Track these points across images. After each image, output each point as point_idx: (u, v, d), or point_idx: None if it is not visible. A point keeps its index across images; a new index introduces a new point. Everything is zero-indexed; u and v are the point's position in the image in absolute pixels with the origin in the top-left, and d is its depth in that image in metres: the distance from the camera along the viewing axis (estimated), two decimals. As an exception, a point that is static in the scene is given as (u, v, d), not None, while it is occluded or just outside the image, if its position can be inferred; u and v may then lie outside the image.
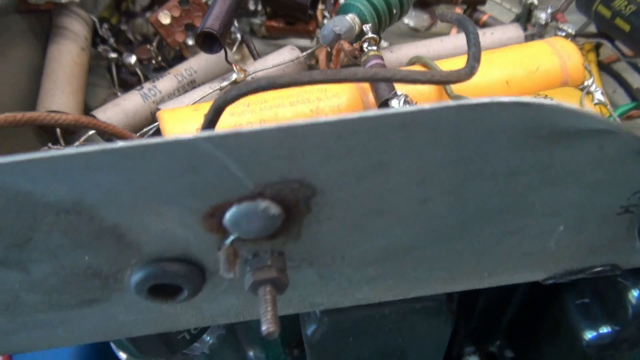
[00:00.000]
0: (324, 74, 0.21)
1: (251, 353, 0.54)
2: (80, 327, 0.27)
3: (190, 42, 0.43)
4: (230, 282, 0.27)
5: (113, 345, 0.37)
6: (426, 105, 0.18)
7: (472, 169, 0.22)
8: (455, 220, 0.25)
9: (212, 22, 0.34)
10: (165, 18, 0.39)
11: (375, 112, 0.18)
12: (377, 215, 0.24)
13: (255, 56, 0.42)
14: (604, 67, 0.44)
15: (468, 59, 0.25)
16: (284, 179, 0.20)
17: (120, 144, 0.17)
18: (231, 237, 0.23)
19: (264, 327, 0.22)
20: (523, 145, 0.21)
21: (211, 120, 0.24)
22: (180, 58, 0.43)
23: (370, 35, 0.31)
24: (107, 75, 0.43)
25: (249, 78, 0.37)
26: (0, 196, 0.18)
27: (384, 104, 0.28)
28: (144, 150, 0.18)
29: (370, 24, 0.32)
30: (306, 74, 0.22)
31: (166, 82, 0.38)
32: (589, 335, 0.39)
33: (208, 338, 0.40)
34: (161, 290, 0.25)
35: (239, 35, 0.42)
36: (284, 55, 0.38)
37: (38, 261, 0.22)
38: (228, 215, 0.21)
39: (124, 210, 0.20)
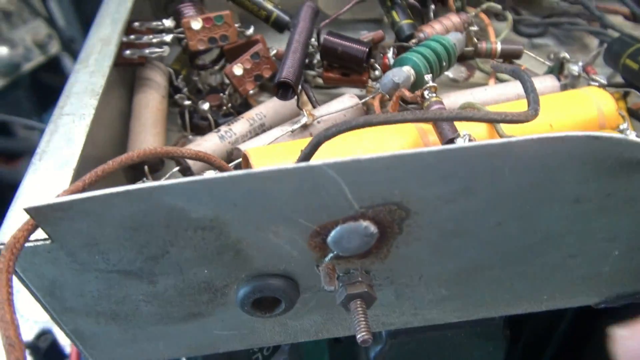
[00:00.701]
0: (413, 114, 0.25)
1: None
2: (179, 340, 0.30)
3: (252, 91, 0.48)
4: (316, 301, 0.30)
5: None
6: (513, 138, 0.22)
7: (543, 194, 0.25)
8: (524, 242, 0.28)
9: (287, 72, 0.39)
10: (238, 70, 0.44)
11: (470, 144, 0.22)
12: (456, 237, 0.27)
13: (314, 103, 0.46)
14: (633, 114, 0.48)
15: (530, 102, 0.29)
16: (385, 201, 0.24)
17: (262, 169, 0.21)
18: (331, 254, 0.26)
19: (359, 335, 0.25)
20: (589, 174, 0.24)
21: (308, 154, 0.28)
22: (245, 105, 0.48)
23: (430, 84, 0.36)
24: (178, 121, 0.48)
25: (315, 122, 0.41)
26: (158, 212, 0.22)
27: (449, 142, 0.32)
28: (281, 173, 0.21)
29: (431, 75, 0.36)
30: (398, 114, 0.26)
31: (240, 125, 0.42)
32: (635, 364, 0.40)
33: (272, 365, 0.42)
34: (260, 304, 0.28)
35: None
36: (345, 102, 0.42)
37: (166, 274, 0.25)
38: (333, 233, 0.25)
39: (249, 228, 0.24)
